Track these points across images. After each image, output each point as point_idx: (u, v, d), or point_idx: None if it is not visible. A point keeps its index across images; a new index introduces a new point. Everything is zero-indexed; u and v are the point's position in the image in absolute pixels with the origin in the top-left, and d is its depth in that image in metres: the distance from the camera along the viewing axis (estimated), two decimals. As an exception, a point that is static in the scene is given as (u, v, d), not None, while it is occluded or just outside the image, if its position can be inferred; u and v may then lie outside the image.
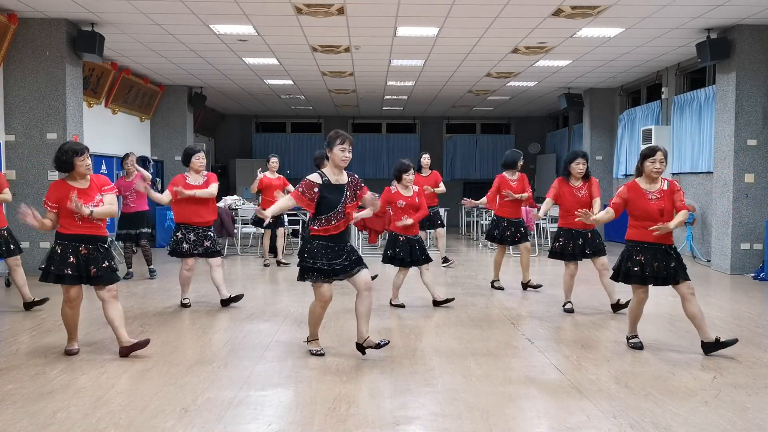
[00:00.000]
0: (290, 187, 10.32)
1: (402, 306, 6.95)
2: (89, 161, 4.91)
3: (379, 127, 20.64)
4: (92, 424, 3.60)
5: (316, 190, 4.74)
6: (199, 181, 6.81)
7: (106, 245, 4.99)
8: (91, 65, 10.60)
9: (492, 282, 8.16)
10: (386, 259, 6.88)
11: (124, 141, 12.97)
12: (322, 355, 5.00)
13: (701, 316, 5.03)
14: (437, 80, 13.64)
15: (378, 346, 4.91)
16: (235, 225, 11.65)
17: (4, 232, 6.57)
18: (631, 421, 3.69)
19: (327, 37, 9.82)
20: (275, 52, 10.87)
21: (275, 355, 5.07)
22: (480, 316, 6.48)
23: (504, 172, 7.92)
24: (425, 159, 9.94)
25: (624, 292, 6.28)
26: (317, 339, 5.14)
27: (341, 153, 4.75)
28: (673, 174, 11.90)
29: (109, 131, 12.17)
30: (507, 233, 7.82)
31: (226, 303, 6.87)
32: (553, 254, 6.77)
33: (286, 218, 10.68)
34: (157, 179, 13.92)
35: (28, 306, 6.66)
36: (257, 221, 10.26)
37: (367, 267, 4.91)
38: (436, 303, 6.99)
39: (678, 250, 5.16)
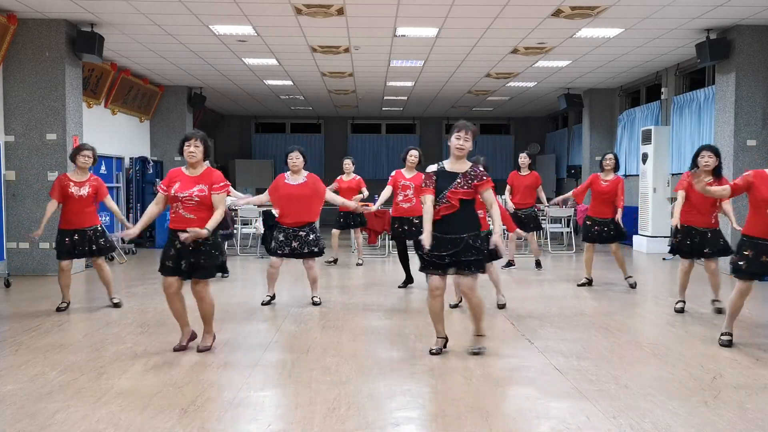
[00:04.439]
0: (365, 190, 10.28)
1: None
2: (193, 149, 4.83)
3: (379, 128, 20.66)
4: (92, 425, 3.60)
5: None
6: (298, 180, 6.62)
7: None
8: (90, 66, 10.60)
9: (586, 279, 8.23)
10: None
11: (124, 141, 12.98)
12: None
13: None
14: (437, 81, 13.65)
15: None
16: (235, 225, 11.64)
17: (97, 230, 6.57)
18: (631, 421, 3.69)
19: (326, 37, 9.82)
20: (275, 52, 10.87)
21: (275, 356, 5.07)
22: (480, 316, 6.46)
23: (600, 173, 8.02)
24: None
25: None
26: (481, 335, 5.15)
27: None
28: (672, 174, 11.91)
29: (108, 132, 12.17)
30: (597, 232, 7.96)
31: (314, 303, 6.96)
32: (672, 250, 6.77)
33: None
34: (157, 179, 13.93)
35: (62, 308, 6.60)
36: (340, 224, 10.29)
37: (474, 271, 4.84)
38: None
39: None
